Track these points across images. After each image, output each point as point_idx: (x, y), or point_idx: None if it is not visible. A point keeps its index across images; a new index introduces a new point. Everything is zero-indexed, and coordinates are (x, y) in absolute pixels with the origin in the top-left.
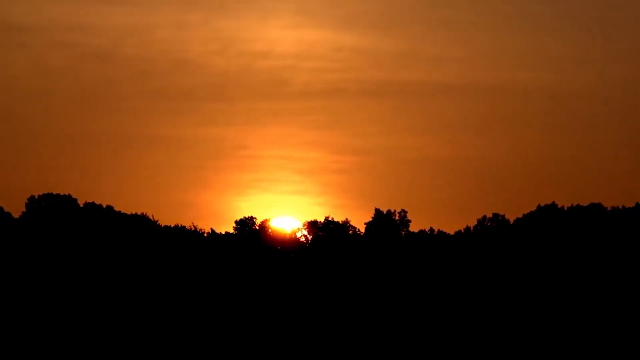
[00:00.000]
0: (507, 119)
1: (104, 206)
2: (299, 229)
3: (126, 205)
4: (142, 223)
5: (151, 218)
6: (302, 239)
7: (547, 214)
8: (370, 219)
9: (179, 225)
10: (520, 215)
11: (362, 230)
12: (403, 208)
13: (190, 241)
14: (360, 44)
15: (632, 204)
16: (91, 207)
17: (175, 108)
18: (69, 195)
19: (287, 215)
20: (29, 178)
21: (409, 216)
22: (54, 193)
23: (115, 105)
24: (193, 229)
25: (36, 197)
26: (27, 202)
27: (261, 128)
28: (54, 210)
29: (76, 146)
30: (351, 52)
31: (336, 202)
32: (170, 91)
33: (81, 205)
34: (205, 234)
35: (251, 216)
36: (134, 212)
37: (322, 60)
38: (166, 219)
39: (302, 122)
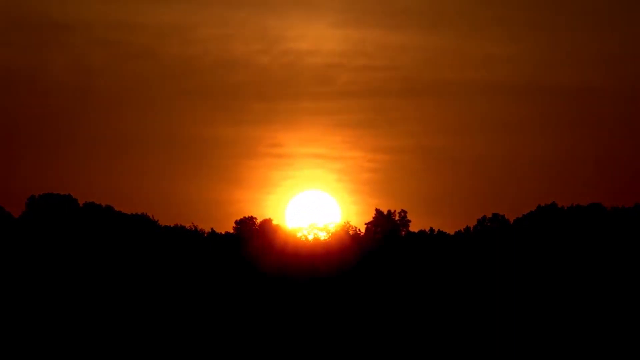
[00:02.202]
0: (510, 118)
1: (104, 206)
2: (300, 229)
3: (159, 209)
4: (142, 223)
5: (151, 218)
6: (302, 238)
7: (547, 214)
8: (371, 219)
9: (179, 225)
10: (520, 216)
11: (363, 230)
12: (403, 208)
13: (190, 241)
14: (407, 42)
15: (632, 204)
16: (91, 207)
17: (215, 107)
18: (69, 195)
19: (316, 189)
20: (30, 178)
21: (409, 216)
22: (54, 193)
23: (154, 104)
24: (193, 229)
25: (36, 197)
26: (27, 202)
27: (300, 127)
28: (54, 210)
29: (101, 147)
30: (398, 50)
31: (371, 201)
32: (211, 90)
33: (81, 205)
34: (205, 234)
35: (251, 216)
36: (134, 212)
37: (368, 59)
38: (190, 220)
39: (343, 121)
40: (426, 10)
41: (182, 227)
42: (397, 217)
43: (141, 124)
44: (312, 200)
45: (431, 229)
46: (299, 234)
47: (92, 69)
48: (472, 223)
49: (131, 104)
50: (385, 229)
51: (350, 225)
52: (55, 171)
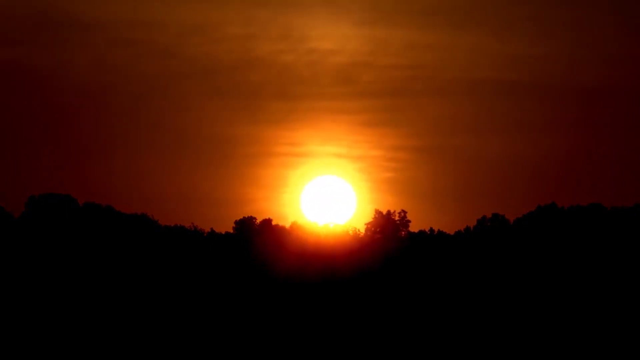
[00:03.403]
0: (511, 118)
1: (104, 206)
2: (300, 227)
3: (164, 208)
4: (142, 223)
5: (151, 218)
6: (303, 238)
7: (547, 214)
8: (371, 219)
9: (179, 225)
10: (520, 216)
11: (362, 230)
12: (403, 208)
13: (190, 241)
14: (433, 41)
15: (632, 204)
16: (91, 207)
17: (236, 106)
18: (69, 195)
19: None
20: (30, 178)
21: (409, 216)
22: (54, 193)
23: (175, 104)
24: (193, 229)
25: (36, 197)
26: (27, 202)
27: (321, 126)
28: (54, 210)
29: (104, 146)
30: (424, 49)
31: (390, 200)
32: (233, 90)
33: (81, 205)
34: (205, 234)
35: (251, 216)
36: (134, 212)
37: (393, 58)
38: (207, 220)
39: (365, 120)
40: (453, 9)
41: (182, 227)
42: (397, 218)
43: (157, 124)
44: (328, 188)
45: (431, 229)
46: (299, 234)
47: (113, 68)
48: (472, 223)
49: (150, 103)
50: (385, 229)
51: (350, 225)
52: (55, 171)
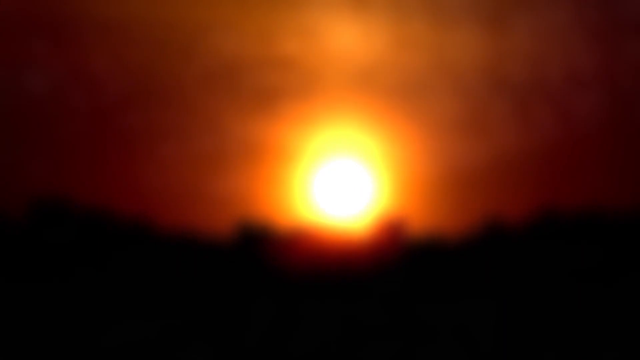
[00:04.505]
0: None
1: (104, 206)
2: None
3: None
4: (143, 223)
5: (151, 218)
6: (302, 238)
7: (547, 214)
8: (371, 220)
9: (179, 226)
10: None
11: (362, 230)
12: (402, 209)
13: (189, 243)
14: (457, 40)
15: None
16: (91, 207)
17: (250, 107)
18: (69, 195)
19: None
20: (29, 178)
21: (408, 216)
22: (54, 193)
23: (188, 106)
24: (193, 229)
25: (37, 197)
26: (27, 202)
27: (337, 126)
28: (53, 210)
29: (111, 146)
30: (448, 48)
31: (395, 199)
32: (249, 90)
33: (81, 205)
34: (204, 237)
35: (250, 218)
36: (135, 213)
37: (416, 57)
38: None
39: (381, 120)
40: (478, 7)
41: (183, 228)
42: (396, 218)
43: (168, 123)
44: (344, 173)
45: (431, 230)
46: (297, 235)
47: (128, 69)
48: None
49: (163, 102)
50: (384, 229)
51: (349, 225)
52: (55, 171)
